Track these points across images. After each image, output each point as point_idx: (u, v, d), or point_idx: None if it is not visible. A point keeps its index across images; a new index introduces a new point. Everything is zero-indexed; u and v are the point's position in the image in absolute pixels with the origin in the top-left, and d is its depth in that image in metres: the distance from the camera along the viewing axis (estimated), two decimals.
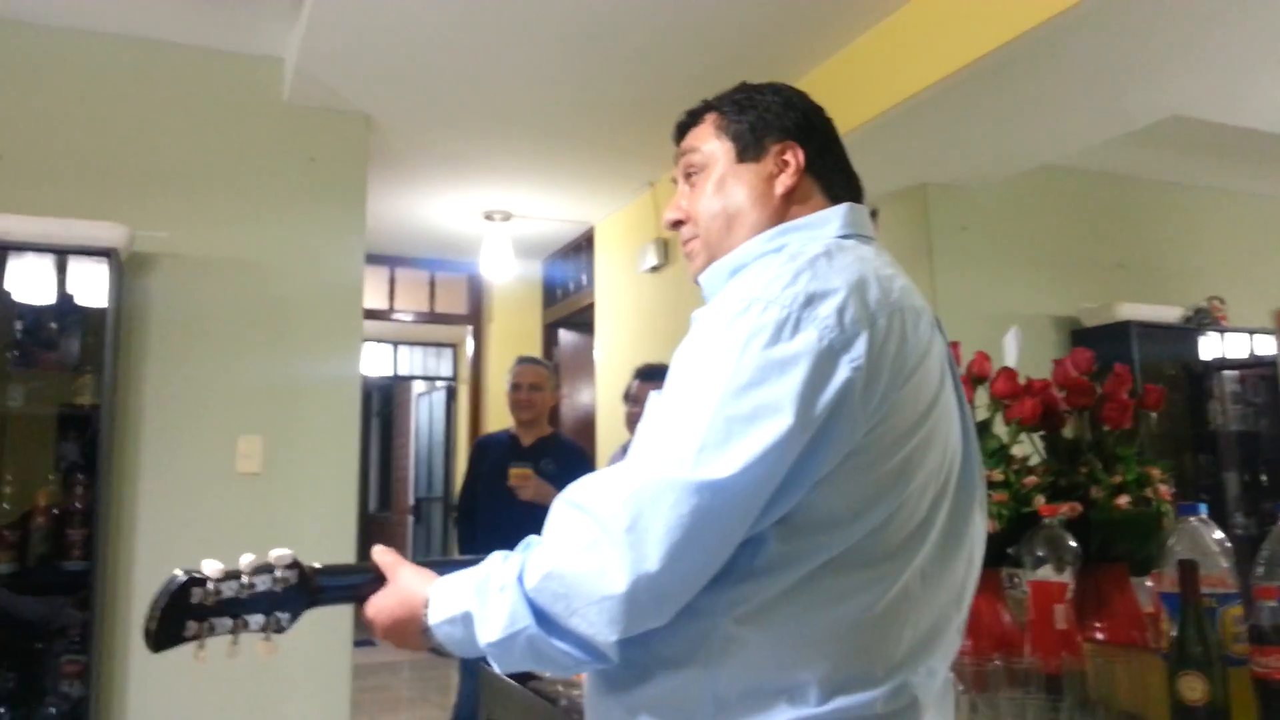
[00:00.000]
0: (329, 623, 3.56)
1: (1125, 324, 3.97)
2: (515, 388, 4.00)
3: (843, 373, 0.97)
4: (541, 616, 0.99)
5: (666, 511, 0.94)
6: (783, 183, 1.20)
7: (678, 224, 1.27)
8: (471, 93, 3.85)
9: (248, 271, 3.68)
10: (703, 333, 1.04)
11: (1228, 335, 4.32)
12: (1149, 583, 1.92)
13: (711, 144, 1.25)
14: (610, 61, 3.58)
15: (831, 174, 1.23)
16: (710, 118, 1.26)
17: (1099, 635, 1.88)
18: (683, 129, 1.30)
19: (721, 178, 1.23)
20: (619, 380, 4.30)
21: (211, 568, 1.10)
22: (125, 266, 3.38)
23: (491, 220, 5.55)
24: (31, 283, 3.13)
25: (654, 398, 1.06)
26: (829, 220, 1.18)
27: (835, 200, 1.21)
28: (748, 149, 1.23)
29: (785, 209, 1.20)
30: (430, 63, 3.57)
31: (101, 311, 3.19)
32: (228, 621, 1.11)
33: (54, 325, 3.31)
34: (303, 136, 3.84)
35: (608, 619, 0.96)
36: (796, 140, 1.22)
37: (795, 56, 3.48)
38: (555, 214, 5.63)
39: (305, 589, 1.15)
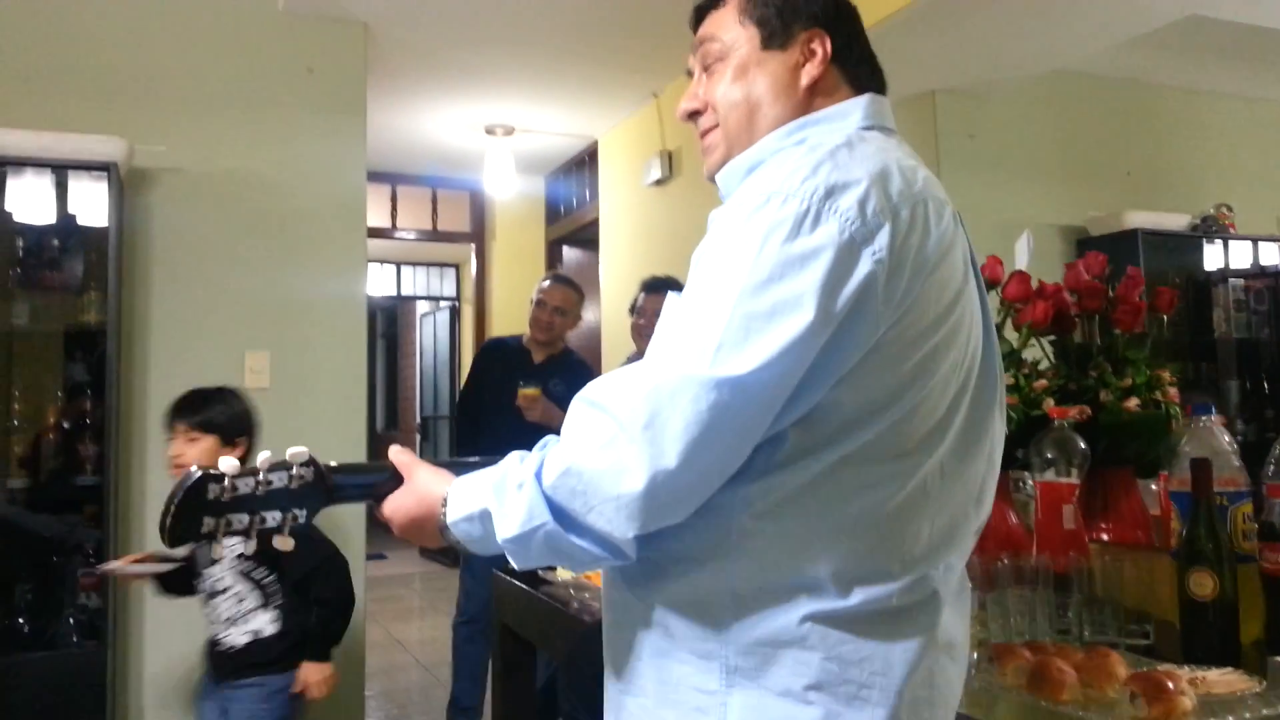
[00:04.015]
0: (341, 535, 3.61)
1: (1132, 232, 3.93)
2: (539, 304, 3.90)
3: (864, 266, 0.95)
4: (559, 513, 0.99)
5: (685, 408, 0.93)
6: (809, 73, 1.15)
7: (695, 114, 1.21)
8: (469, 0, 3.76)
9: (249, 186, 3.63)
10: (721, 230, 1.01)
11: (1234, 243, 4.29)
12: (1154, 486, 1.94)
13: (734, 31, 1.18)
14: None
15: (858, 65, 1.18)
16: (732, 2, 1.19)
17: (1104, 536, 1.90)
18: (701, 13, 1.23)
19: (743, 65, 1.16)
20: (624, 296, 4.28)
21: (228, 464, 1.09)
22: (125, 182, 3.34)
23: (493, 135, 5.47)
24: (31, 201, 3.10)
25: (672, 299, 1.03)
26: (850, 112, 1.14)
27: (861, 93, 1.16)
28: (774, 36, 1.16)
29: (810, 101, 1.15)
30: None
31: (103, 230, 3.16)
32: (244, 518, 1.10)
33: (56, 244, 3.28)
34: (300, 46, 3.76)
35: (625, 516, 0.96)
36: (824, 28, 1.16)
37: None
38: (558, 128, 5.55)
39: (322, 486, 1.14)
